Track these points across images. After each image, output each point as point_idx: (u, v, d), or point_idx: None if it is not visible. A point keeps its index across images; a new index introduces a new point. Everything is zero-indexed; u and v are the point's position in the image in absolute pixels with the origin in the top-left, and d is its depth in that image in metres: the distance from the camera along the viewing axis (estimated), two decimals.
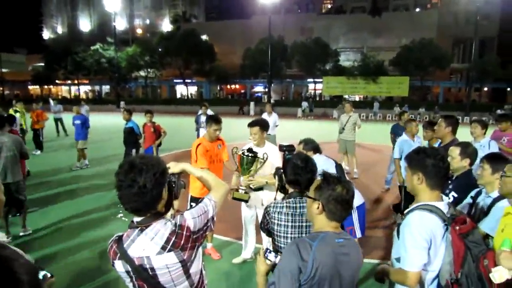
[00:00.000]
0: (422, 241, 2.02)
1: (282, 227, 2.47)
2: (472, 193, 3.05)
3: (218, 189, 1.94)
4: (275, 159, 4.26)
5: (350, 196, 1.88)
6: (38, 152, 13.07)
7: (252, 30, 46.19)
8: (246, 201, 4.12)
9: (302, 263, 1.72)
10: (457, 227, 1.98)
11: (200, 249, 1.80)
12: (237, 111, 37.14)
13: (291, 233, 2.46)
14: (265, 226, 2.61)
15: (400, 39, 41.73)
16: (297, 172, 2.54)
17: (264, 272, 1.99)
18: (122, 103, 39.09)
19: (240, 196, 4.02)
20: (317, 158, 4.06)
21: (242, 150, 4.10)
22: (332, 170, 4.00)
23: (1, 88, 52.66)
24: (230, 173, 4.67)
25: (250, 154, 3.95)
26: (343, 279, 1.81)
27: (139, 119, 9.11)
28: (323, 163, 3.99)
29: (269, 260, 2.00)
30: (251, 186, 4.12)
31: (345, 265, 1.81)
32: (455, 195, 3.25)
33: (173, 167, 1.90)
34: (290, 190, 2.61)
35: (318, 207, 1.88)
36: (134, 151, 8.73)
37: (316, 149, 4.20)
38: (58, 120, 17.88)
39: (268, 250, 2.04)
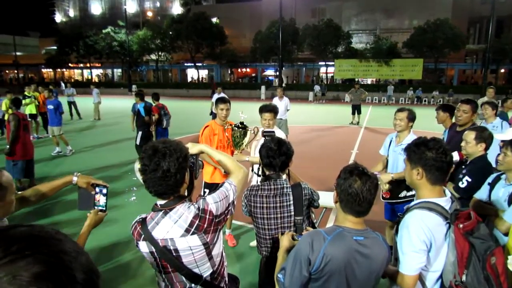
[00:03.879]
0: (420, 244, 1.88)
1: (258, 208, 2.57)
2: (489, 179, 2.98)
3: (237, 173, 1.97)
4: None
5: (368, 190, 1.75)
6: None
7: (262, 12, 45.54)
8: None
9: (312, 255, 1.72)
10: (461, 225, 1.85)
11: (221, 232, 1.86)
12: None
13: (267, 214, 2.55)
14: (246, 209, 2.70)
15: (414, 20, 40.79)
16: (270, 155, 2.59)
17: (286, 248, 2.04)
18: (134, 87, 39.29)
19: None
20: (413, 137, 4.05)
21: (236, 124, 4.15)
22: None
23: (16, 71, 53.27)
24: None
25: (240, 127, 4.02)
26: (354, 278, 1.76)
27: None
28: None
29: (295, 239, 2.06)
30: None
31: (361, 264, 1.75)
32: (469, 180, 3.23)
33: (191, 148, 1.93)
34: (267, 172, 2.68)
35: (336, 197, 1.86)
36: (140, 133, 8.73)
37: (414, 120, 4.16)
38: (71, 104, 18.08)
39: (298, 236, 2.09)
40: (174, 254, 1.71)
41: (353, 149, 11.08)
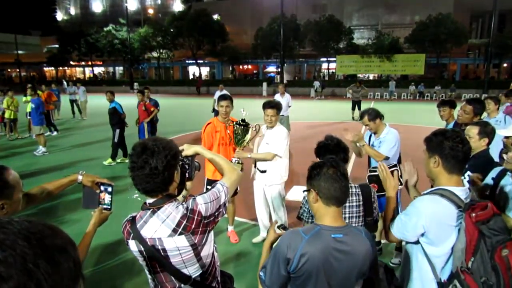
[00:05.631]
0: (418, 225, 1.99)
1: None
2: (493, 174, 2.90)
3: (231, 175, 1.95)
4: (279, 141, 4.30)
5: (342, 175, 1.81)
6: (55, 133, 13.37)
7: (263, 8, 45.38)
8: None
9: (290, 254, 1.72)
10: (473, 214, 1.85)
11: (212, 233, 1.82)
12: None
13: None
14: (303, 210, 2.62)
15: (416, 15, 40.60)
16: (330, 150, 2.53)
17: (271, 240, 2.03)
18: (135, 85, 39.32)
19: None
20: (390, 130, 4.25)
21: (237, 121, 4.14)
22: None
23: (18, 70, 53.43)
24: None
25: (242, 124, 4.01)
26: (335, 275, 1.76)
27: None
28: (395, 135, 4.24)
29: (278, 230, 2.05)
30: (236, 156, 4.15)
31: (341, 261, 1.75)
32: (471, 175, 3.19)
33: (187, 150, 1.93)
34: None
35: (313, 196, 1.83)
36: (118, 131, 8.69)
37: (379, 115, 4.31)
38: (73, 102, 18.11)
39: (282, 226, 2.07)
40: (162, 253, 1.68)
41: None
